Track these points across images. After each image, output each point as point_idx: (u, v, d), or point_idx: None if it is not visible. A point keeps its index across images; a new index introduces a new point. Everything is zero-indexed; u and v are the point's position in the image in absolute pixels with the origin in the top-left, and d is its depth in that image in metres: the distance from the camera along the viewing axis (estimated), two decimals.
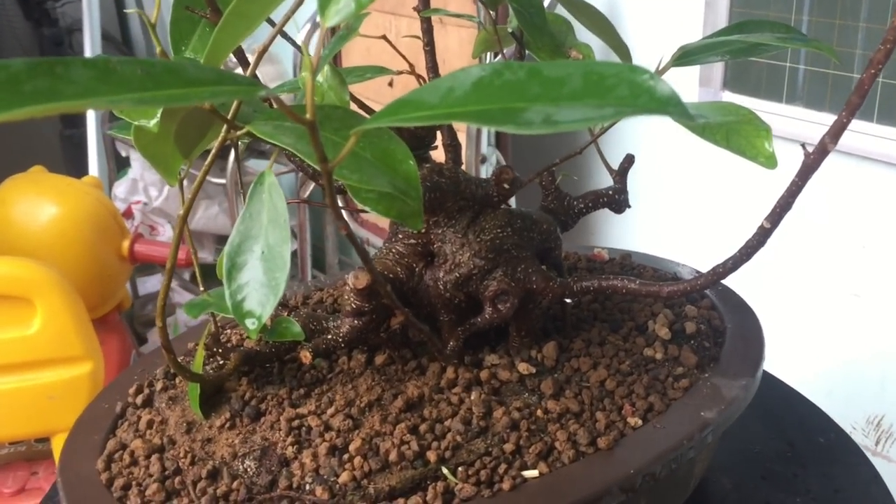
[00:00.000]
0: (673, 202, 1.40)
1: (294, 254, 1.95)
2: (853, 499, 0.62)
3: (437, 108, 0.30)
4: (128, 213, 1.90)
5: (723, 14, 1.19)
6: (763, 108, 1.17)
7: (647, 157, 1.40)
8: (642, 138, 1.37)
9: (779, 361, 0.98)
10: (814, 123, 1.10)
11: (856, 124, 1.06)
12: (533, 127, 0.28)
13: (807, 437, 0.69)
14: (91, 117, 1.85)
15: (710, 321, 0.61)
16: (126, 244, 1.46)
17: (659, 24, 1.34)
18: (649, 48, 1.10)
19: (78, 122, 2.08)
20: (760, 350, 0.59)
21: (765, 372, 0.77)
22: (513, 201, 1.34)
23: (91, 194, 1.44)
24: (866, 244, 1.14)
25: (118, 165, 2.06)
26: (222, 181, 1.84)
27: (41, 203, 1.38)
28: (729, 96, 1.22)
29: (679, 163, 1.35)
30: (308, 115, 0.33)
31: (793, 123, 1.12)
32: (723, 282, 0.67)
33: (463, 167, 1.30)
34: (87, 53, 1.94)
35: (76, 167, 1.97)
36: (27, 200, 1.39)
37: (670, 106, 0.27)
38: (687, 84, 1.27)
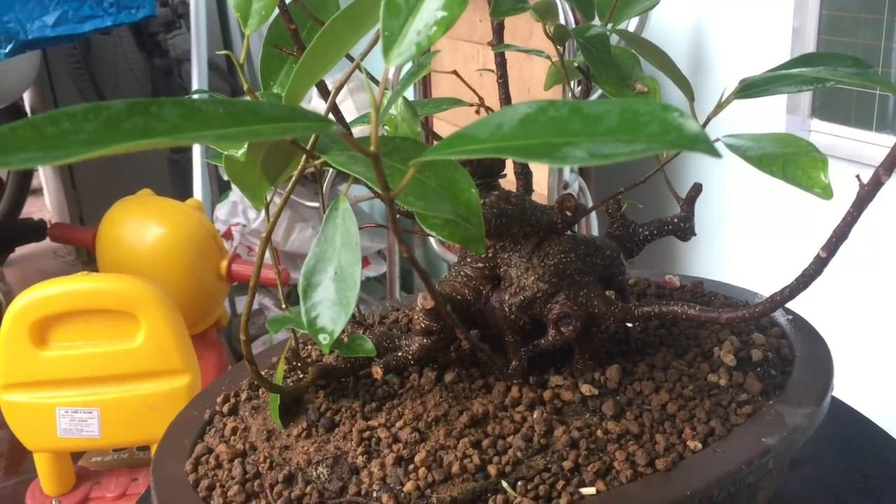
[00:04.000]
0: (764, 232, 1.38)
1: (383, 276, 2.00)
2: None
3: (487, 142, 0.33)
4: (227, 235, 1.99)
5: (811, 41, 1.18)
6: (852, 135, 1.15)
7: (735, 187, 1.39)
8: (729, 169, 1.36)
9: (868, 395, 0.96)
10: None
11: None
12: (568, 161, 0.30)
13: (883, 469, 0.68)
14: (196, 144, 1.95)
15: (778, 349, 0.61)
16: (224, 264, 1.54)
17: (747, 51, 1.33)
18: (737, 76, 1.11)
19: (184, 148, 2.19)
20: (829, 379, 0.59)
21: (843, 403, 0.77)
22: (595, 228, 1.35)
23: (193, 216, 1.52)
24: None
25: (220, 188, 2.16)
26: (316, 204, 1.91)
27: (147, 224, 1.47)
28: (817, 124, 1.20)
29: (770, 193, 1.34)
30: (372, 148, 0.36)
31: (883, 152, 1.09)
32: (799, 311, 0.67)
33: (544, 194, 1.32)
34: (195, 83, 2.05)
35: (182, 190, 2.07)
36: (134, 221, 1.48)
37: (698, 142, 0.29)
38: (774, 112, 1.26)
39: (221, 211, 2.03)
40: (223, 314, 1.66)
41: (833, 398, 0.69)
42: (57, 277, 1.22)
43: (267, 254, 0.52)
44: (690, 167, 1.44)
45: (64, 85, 2.59)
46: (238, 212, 2.01)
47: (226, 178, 2.11)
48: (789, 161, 0.47)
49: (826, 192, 0.46)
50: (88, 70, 2.46)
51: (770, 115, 1.27)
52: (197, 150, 1.96)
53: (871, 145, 1.12)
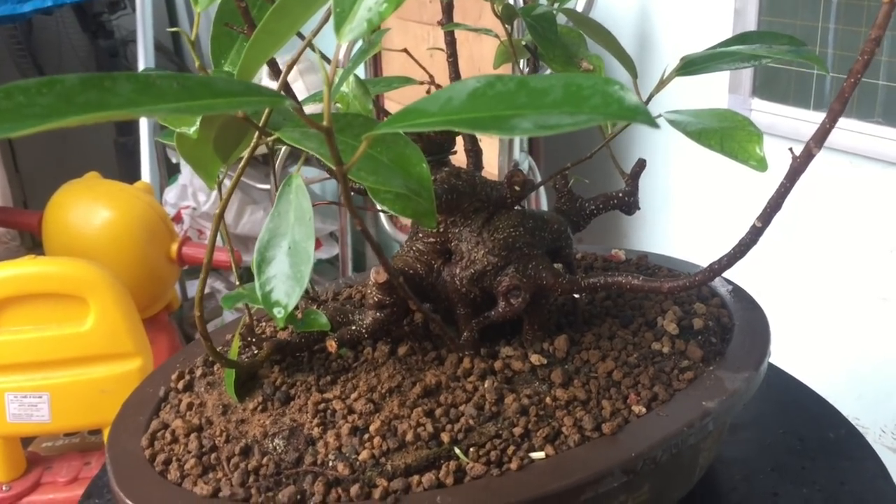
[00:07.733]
0: (706, 207, 1.42)
1: (335, 257, 2.00)
2: (858, 491, 0.64)
3: (437, 115, 0.34)
4: (177, 218, 1.97)
5: (752, 21, 1.21)
6: (791, 114, 1.19)
7: (678, 163, 1.42)
8: (672, 145, 1.39)
9: (807, 365, 1.00)
10: (840, 129, 1.11)
11: (885, 130, 1.07)
12: (516, 132, 0.31)
13: (817, 432, 0.71)
14: (143, 126, 1.93)
15: (718, 318, 0.64)
16: (174, 247, 1.52)
17: (690, 32, 1.36)
18: (680, 56, 1.13)
19: (131, 130, 2.16)
20: (765, 346, 0.61)
21: (782, 371, 0.80)
22: (544, 203, 1.37)
23: (142, 199, 1.50)
24: (894, 248, 1.15)
25: (169, 171, 2.14)
26: (266, 186, 1.90)
27: (95, 208, 1.45)
28: (758, 103, 1.24)
29: (711, 170, 1.37)
30: (325, 123, 0.37)
31: None
32: (738, 282, 0.70)
33: (495, 173, 1.33)
34: (141, 64, 2.01)
35: (129, 173, 2.05)
36: (82, 205, 1.46)
37: (637, 114, 0.31)
38: (717, 91, 1.29)
39: (170, 194, 2.01)
40: (174, 298, 1.65)
41: (771, 365, 0.72)
42: (3, 262, 1.20)
43: (219, 236, 0.52)
44: (635, 144, 1.47)
45: (5, 67, 2.53)
46: (187, 195, 1.99)
47: (175, 160, 2.08)
48: (726, 135, 0.49)
49: (761, 165, 0.48)
50: (30, 52, 2.40)
51: (713, 95, 1.30)
52: (144, 132, 1.93)
53: (809, 123, 1.16)
